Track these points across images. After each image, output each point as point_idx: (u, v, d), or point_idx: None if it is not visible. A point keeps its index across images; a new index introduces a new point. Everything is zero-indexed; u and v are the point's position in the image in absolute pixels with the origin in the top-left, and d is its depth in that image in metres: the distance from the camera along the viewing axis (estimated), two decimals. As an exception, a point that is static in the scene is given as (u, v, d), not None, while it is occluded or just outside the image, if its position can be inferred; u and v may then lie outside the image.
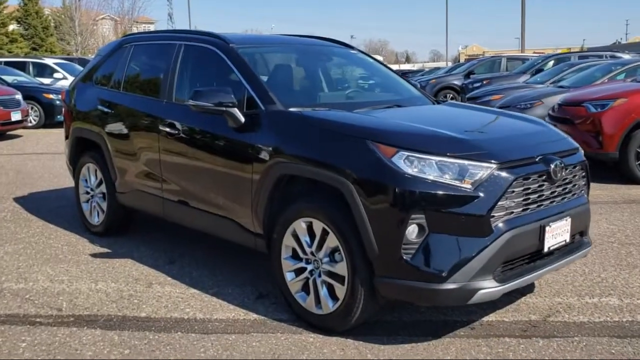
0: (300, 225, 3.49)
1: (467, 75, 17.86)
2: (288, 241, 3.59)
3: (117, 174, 5.00)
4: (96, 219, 5.39)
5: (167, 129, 4.37)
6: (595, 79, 10.59)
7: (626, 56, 15.65)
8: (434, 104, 4.50)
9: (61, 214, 6.20)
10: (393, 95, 4.59)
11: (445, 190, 3.03)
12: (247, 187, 3.79)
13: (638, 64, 11.13)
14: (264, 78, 4.15)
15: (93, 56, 7.75)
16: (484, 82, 15.64)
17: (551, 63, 16.54)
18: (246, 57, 4.16)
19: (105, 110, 5.08)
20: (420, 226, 3.05)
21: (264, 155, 3.66)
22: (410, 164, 3.09)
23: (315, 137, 3.45)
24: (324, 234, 3.38)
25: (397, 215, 3.06)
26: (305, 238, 3.50)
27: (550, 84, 12.54)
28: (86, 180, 5.49)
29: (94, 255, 4.89)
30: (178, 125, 4.30)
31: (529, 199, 3.24)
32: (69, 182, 7.49)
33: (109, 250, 5.02)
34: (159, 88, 4.65)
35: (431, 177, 3.06)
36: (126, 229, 5.45)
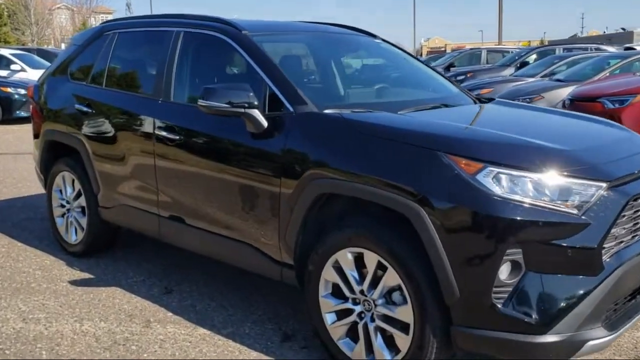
0: (345, 257, 2.81)
1: (447, 68, 17.32)
2: (329, 275, 2.90)
3: (101, 185, 4.21)
4: (74, 237, 4.59)
5: (165, 134, 3.61)
6: (595, 73, 10.13)
7: (611, 49, 15.35)
8: (476, 102, 3.85)
9: (29, 228, 5.35)
10: (432, 92, 3.92)
11: (546, 217, 2.38)
12: (272, 206, 3.08)
13: (634, 58, 10.73)
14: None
15: (64, 46, 6.80)
16: (468, 75, 15.12)
17: (534, 56, 16.16)
18: (264, 47, 3.43)
19: (84, 109, 4.28)
20: (514, 263, 2.40)
21: (297, 168, 2.96)
22: (499, 183, 2.43)
23: (367, 147, 2.76)
24: (379, 268, 2.70)
25: (485, 250, 2.40)
26: (352, 273, 2.81)
27: (541, 77, 12.08)
28: (61, 192, 4.68)
29: (74, 283, 4.10)
30: (179, 129, 3.55)
31: (638, 223, 2.62)
32: (37, 188, 6.65)
33: (91, 276, 4.24)
34: (152, 85, 3.88)
35: (528, 200, 2.40)
36: (109, 248, 4.66)
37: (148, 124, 3.78)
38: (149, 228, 3.93)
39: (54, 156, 4.74)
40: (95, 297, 3.86)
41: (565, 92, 9.27)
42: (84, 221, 4.47)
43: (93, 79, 4.41)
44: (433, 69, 4.33)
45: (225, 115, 3.15)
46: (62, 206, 4.68)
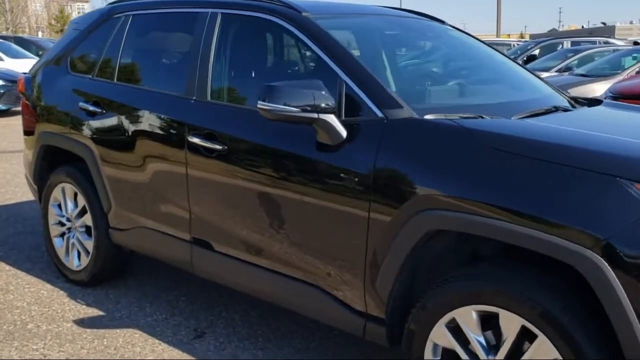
0: (468, 316, 2.09)
1: (527, 61, 16.60)
2: (439, 338, 2.18)
3: (113, 201, 3.44)
4: (76, 262, 3.80)
5: (202, 142, 2.85)
6: (620, 68, 9.54)
7: (619, 42, 14.83)
8: (583, 104, 3.15)
9: (18, 246, 4.54)
10: (529, 91, 3.20)
11: None
12: (356, 240, 2.35)
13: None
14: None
15: (41, 34, 5.91)
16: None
17: (537, 50, 15.56)
18: (335, 34, 2.69)
19: (91, 108, 3.49)
20: None
21: (394, 193, 2.23)
22: None
23: (506, 169, 2.04)
24: (524, 334, 1.99)
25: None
26: (476, 336, 2.10)
27: (556, 71, 11.49)
28: (60, 207, 3.89)
29: (82, 324, 3.32)
30: (222, 136, 2.80)
31: None
32: (24, 193, 5.82)
33: (100, 313, 3.46)
34: (181, 80, 3.11)
35: None
36: (120, 275, 3.89)
37: (177, 129, 3.02)
38: (178, 258, 3.17)
39: (52, 164, 3.94)
40: (110, 344, 3.09)
41: (593, 88, 8.67)
42: (89, 244, 3.68)
43: (101, 71, 3.62)
44: (513, 60, 3.62)
45: (290, 121, 2.40)
46: (62, 224, 3.89)
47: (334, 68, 2.54)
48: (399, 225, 2.21)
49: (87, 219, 3.66)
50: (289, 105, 2.33)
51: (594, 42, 14.73)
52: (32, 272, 4.05)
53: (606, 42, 14.48)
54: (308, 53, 2.78)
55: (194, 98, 3.00)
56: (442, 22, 3.60)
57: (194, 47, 3.08)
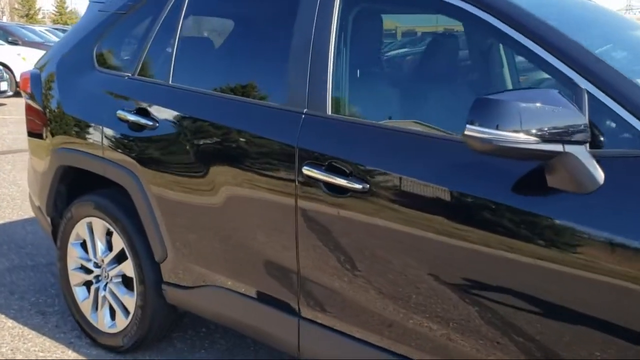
0: None
1: None
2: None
3: (170, 247, 2.50)
4: (108, 322, 2.85)
5: (327, 177, 1.94)
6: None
7: None
8: None
9: (20, 290, 3.55)
10: None
11: None
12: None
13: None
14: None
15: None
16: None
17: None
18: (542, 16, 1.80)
19: (138, 120, 2.53)
20: None
21: None
22: None
23: None
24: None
25: None
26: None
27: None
28: (84, 247, 2.93)
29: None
30: (360, 170, 1.88)
31: None
32: (16, 210, 4.81)
33: (153, 400, 2.53)
34: (282, 84, 2.19)
35: None
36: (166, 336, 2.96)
37: (280, 154, 2.09)
38: (276, 335, 2.24)
39: (72, 189, 2.98)
40: None
41: None
42: (129, 301, 2.74)
43: (145, 68, 2.66)
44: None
45: (508, 156, 1.51)
46: (87, 271, 2.93)
47: (562, 69, 1.65)
48: None
49: (127, 268, 2.71)
50: (521, 132, 1.44)
51: None
52: (44, 331, 3.08)
53: None
54: (501, 46, 1.89)
55: (304, 111, 2.07)
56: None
57: (299, 37, 2.15)
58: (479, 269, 1.69)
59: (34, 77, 3.15)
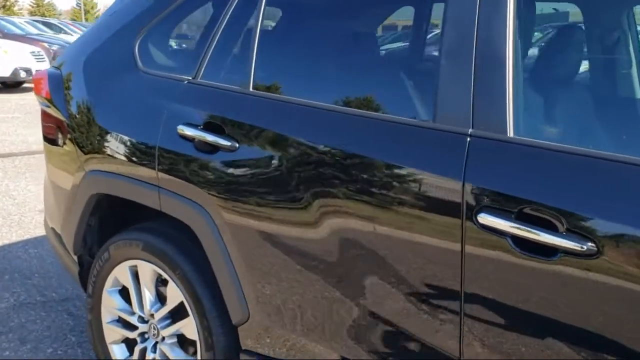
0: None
1: None
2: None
3: (254, 305, 1.90)
4: (159, 392, 2.23)
5: (514, 230, 1.35)
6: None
7: None
8: None
9: (33, 338, 2.93)
10: None
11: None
12: None
13: None
14: None
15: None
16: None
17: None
18: None
19: (216, 140, 1.90)
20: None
21: None
22: None
23: None
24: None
25: None
26: None
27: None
28: (125, 296, 2.31)
29: None
30: (589, 227, 1.29)
31: None
32: (14, 229, 4.16)
33: None
34: (429, 95, 1.58)
35: None
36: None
37: (435, 193, 1.49)
38: None
39: (109, 222, 2.35)
40: None
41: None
42: (190, 368, 2.12)
43: (211, 70, 2.04)
44: None
45: None
46: (129, 325, 2.31)
47: None
48: None
49: (187, 328, 2.10)
50: None
51: None
52: (71, 397, 2.46)
53: None
54: None
55: (469, 132, 1.48)
56: None
57: (454, 27, 1.55)
58: None
59: (52, 79, 2.51)
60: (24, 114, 9.64)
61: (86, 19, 44.21)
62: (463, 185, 1.44)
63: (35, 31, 18.19)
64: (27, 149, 7.07)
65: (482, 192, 1.42)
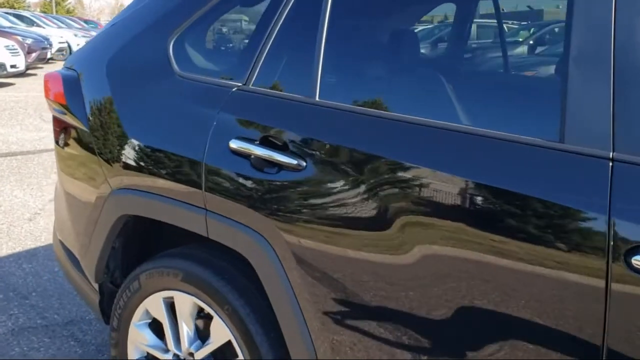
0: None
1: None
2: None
3: (324, 350, 1.63)
4: None
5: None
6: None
7: None
8: None
9: (38, 367, 2.63)
10: None
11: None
12: None
13: None
14: None
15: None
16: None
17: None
18: None
19: (278, 158, 1.63)
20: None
21: None
22: None
23: None
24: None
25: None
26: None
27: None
28: (156, 330, 2.03)
29: None
30: None
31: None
32: (15, 239, 3.82)
33: None
34: (553, 110, 1.34)
35: None
36: None
37: (571, 225, 1.26)
38: None
39: (134, 245, 2.07)
40: None
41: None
42: (238, 417, 1.85)
43: (266, 75, 1.77)
44: None
45: None
46: (161, 364, 2.03)
47: None
48: None
49: (234, 369, 1.83)
50: None
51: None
52: None
53: None
54: None
55: (611, 156, 1.24)
56: None
57: (583, 31, 1.31)
58: None
59: (68, 82, 2.21)
60: None
61: (57, 12, 43.10)
62: (608, 220, 1.20)
63: (7, 24, 17.57)
64: (8, 150, 6.68)
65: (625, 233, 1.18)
